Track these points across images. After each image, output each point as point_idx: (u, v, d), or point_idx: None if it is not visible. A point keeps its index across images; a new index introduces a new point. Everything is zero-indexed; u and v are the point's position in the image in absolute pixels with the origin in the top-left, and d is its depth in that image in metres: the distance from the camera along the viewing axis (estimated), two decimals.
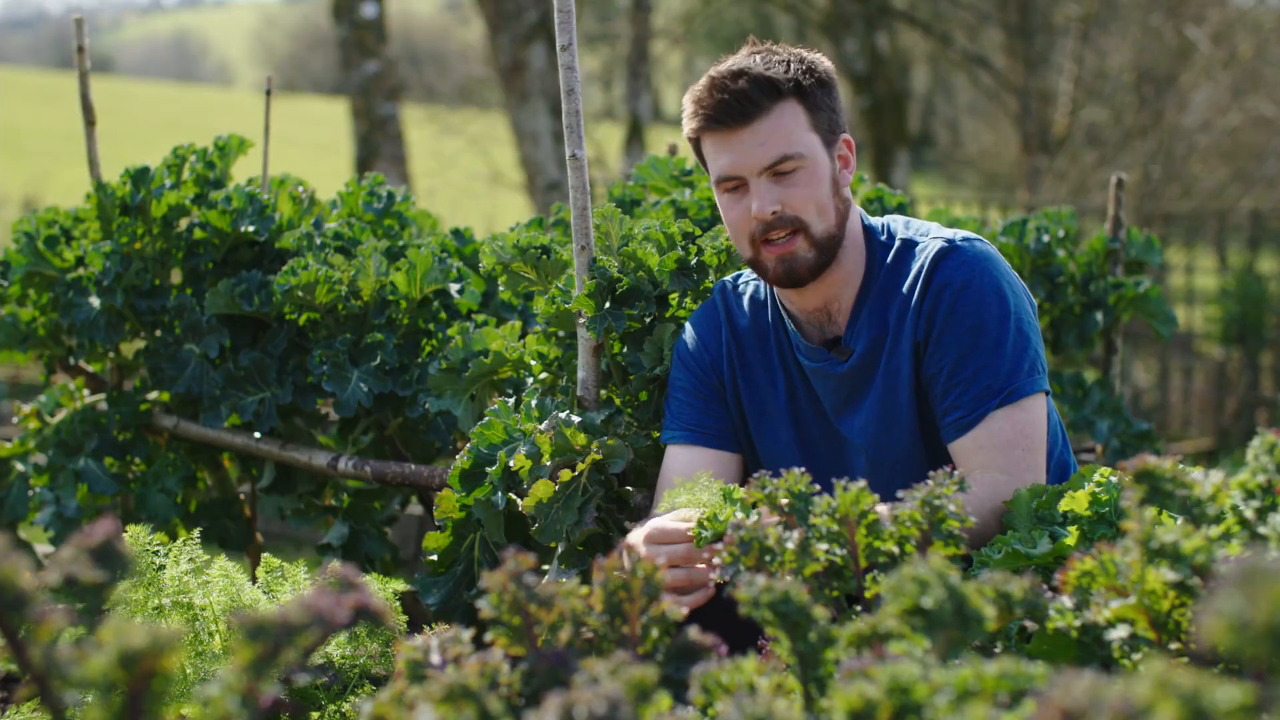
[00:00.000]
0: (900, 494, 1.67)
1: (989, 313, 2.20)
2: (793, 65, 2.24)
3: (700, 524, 1.87)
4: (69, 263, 3.25)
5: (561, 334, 2.59)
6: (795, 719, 1.15)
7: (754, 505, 1.74)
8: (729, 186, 2.26)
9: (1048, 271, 3.48)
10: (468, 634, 1.38)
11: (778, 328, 2.39)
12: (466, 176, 14.01)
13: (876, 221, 2.36)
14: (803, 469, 1.70)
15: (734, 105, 2.21)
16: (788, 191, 2.23)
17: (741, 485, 2.37)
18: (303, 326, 3.08)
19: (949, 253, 2.24)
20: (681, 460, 2.39)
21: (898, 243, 2.31)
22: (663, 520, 2.08)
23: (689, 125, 2.28)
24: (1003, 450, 2.17)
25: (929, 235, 2.30)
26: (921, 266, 2.25)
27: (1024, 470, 2.15)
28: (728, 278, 2.48)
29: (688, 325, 2.46)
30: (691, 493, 1.92)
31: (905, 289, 2.27)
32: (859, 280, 2.31)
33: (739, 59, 2.26)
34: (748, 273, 2.47)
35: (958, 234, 2.28)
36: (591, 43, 16.50)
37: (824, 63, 2.29)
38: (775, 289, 2.38)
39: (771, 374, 2.39)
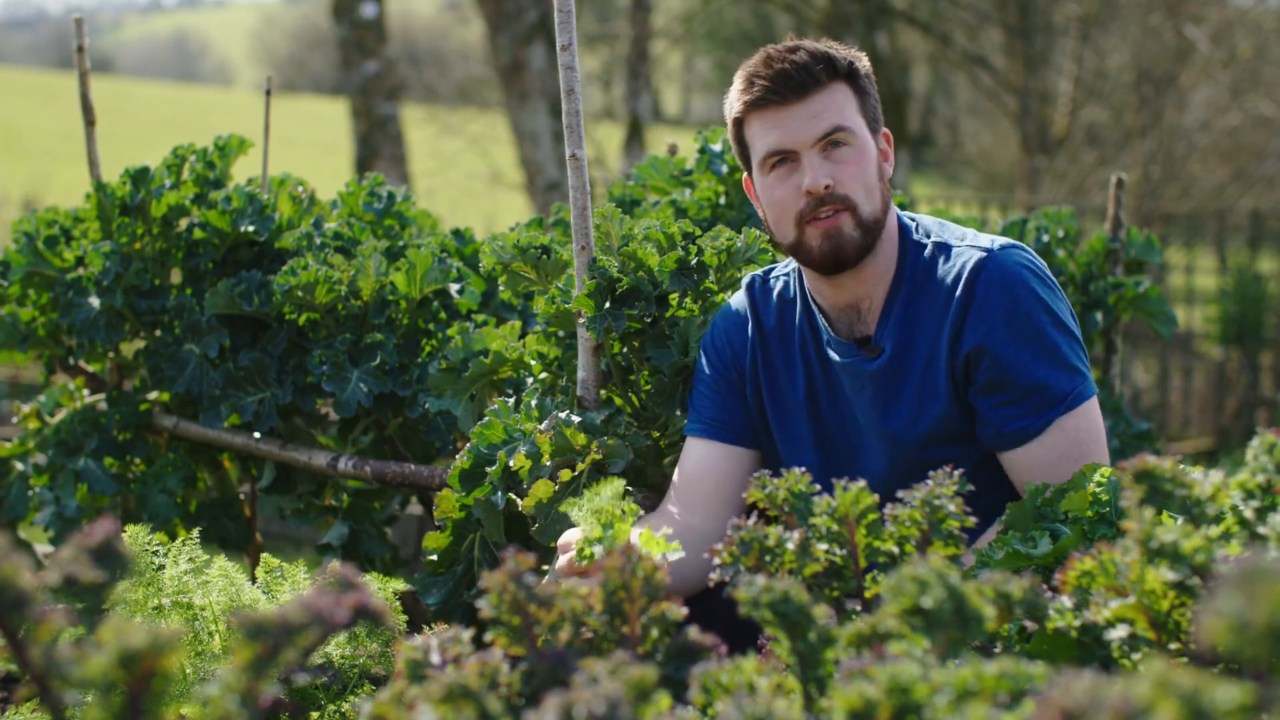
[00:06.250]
0: (900, 494, 1.67)
1: (1042, 321, 2.20)
2: (842, 52, 2.28)
3: (579, 550, 1.83)
4: (69, 263, 3.25)
5: (561, 334, 2.59)
6: (795, 719, 1.15)
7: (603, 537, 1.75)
8: (776, 162, 2.26)
9: None
10: (468, 634, 1.38)
11: (805, 324, 2.39)
12: (466, 176, 14.02)
13: (909, 219, 2.36)
14: (803, 470, 1.70)
15: (792, 76, 2.22)
16: (838, 168, 2.23)
17: None
18: (303, 326, 3.08)
19: (989, 262, 2.22)
20: (696, 453, 2.41)
21: (930, 245, 2.30)
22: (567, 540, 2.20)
23: (740, 101, 2.28)
24: (1056, 465, 2.19)
25: (964, 241, 2.28)
26: (960, 275, 2.23)
27: None
28: (758, 271, 2.48)
29: (716, 318, 2.48)
30: (582, 508, 1.85)
31: (942, 298, 2.25)
32: (890, 277, 2.30)
33: (791, 43, 2.29)
34: (780, 267, 2.47)
35: (995, 241, 2.26)
36: (591, 43, 16.50)
37: (866, 59, 2.33)
38: (808, 282, 2.37)
39: (792, 371, 2.40)
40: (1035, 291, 2.21)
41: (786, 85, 2.23)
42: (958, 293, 2.22)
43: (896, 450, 2.31)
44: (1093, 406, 2.24)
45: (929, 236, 2.31)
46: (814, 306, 2.37)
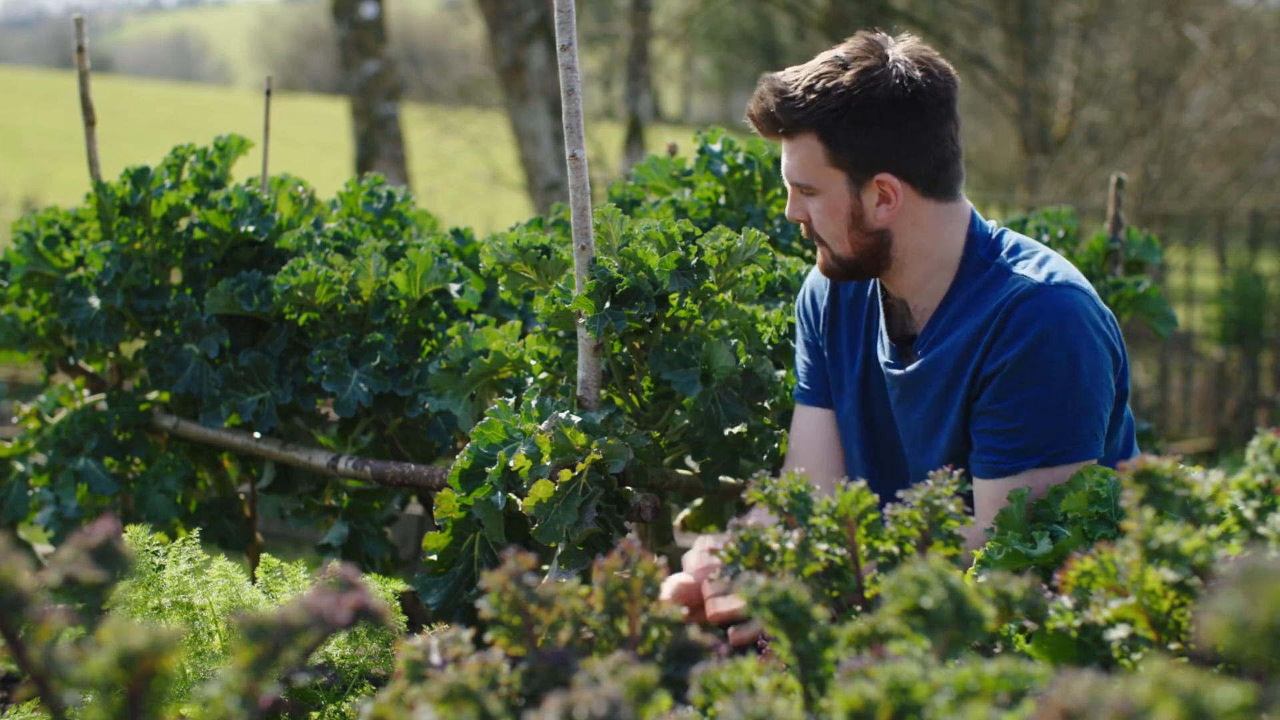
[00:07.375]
0: (900, 494, 1.67)
1: (1058, 372, 2.12)
2: (823, 99, 2.18)
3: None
4: (69, 263, 3.25)
5: (561, 334, 2.59)
6: (795, 719, 1.15)
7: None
8: None
9: None
10: (468, 634, 1.38)
11: (871, 305, 2.42)
12: (466, 176, 14.02)
13: (988, 234, 2.28)
14: (802, 470, 1.71)
15: (761, 122, 2.29)
16: (810, 208, 2.30)
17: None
18: (303, 326, 3.08)
19: (1033, 296, 2.14)
20: (801, 420, 2.50)
21: (994, 267, 2.23)
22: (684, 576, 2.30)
23: None
24: None
25: (1027, 269, 2.20)
26: (1003, 304, 2.16)
27: None
28: None
29: (807, 280, 2.55)
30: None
31: (982, 321, 2.19)
32: (943, 292, 2.28)
33: (792, 72, 2.25)
34: None
35: (1054, 275, 2.17)
36: (591, 43, 16.51)
37: (885, 90, 2.16)
38: None
39: (854, 345, 2.43)
40: (1070, 340, 2.13)
41: (759, 126, 2.30)
42: (996, 321, 2.17)
43: (914, 458, 2.34)
44: (1074, 471, 2.15)
45: (995, 257, 2.24)
46: (880, 290, 2.41)
